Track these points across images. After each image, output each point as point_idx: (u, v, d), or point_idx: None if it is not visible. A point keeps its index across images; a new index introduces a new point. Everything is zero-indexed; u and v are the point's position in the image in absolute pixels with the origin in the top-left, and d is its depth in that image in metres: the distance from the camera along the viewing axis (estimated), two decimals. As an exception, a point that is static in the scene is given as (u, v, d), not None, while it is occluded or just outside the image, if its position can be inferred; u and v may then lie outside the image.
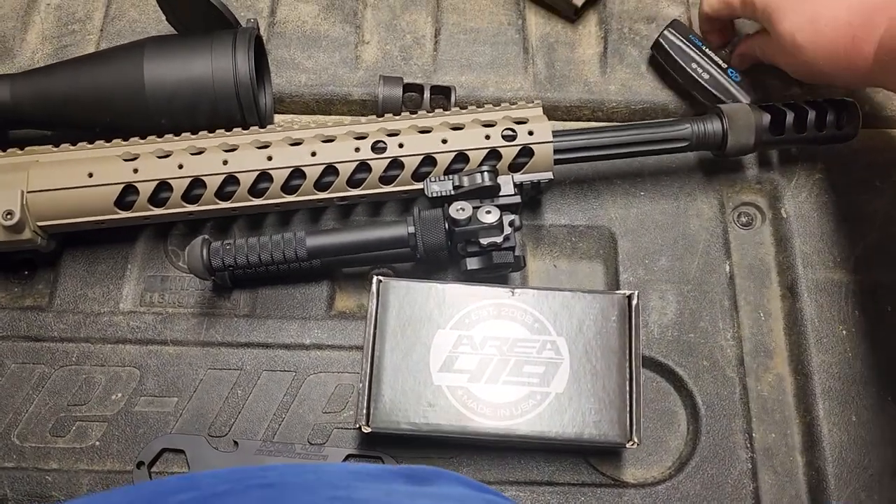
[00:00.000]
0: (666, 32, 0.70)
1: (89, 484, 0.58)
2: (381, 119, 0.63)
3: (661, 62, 0.71)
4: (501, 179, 0.59)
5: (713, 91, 0.68)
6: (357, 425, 0.54)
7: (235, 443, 0.59)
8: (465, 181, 0.58)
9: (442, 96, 0.69)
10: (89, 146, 0.62)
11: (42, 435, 0.60)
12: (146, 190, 0.60)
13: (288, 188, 0.61)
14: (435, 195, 0.58)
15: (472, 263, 0.59)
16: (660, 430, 0.61)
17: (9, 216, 0.58)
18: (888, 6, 0.57)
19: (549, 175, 0.62)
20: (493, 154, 0.61)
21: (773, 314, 0.65)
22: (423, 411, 0.54)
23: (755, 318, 0.64)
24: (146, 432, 0.60)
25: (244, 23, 0.66)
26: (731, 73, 0.68)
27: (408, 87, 0.68)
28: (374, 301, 0.57)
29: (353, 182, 0.61)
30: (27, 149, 0.62)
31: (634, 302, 0.57)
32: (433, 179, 0.59)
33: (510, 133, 0.61)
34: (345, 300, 0.65)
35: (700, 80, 0.68)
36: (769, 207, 0.68)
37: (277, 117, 0.72)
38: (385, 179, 0.61)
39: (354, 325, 0.63)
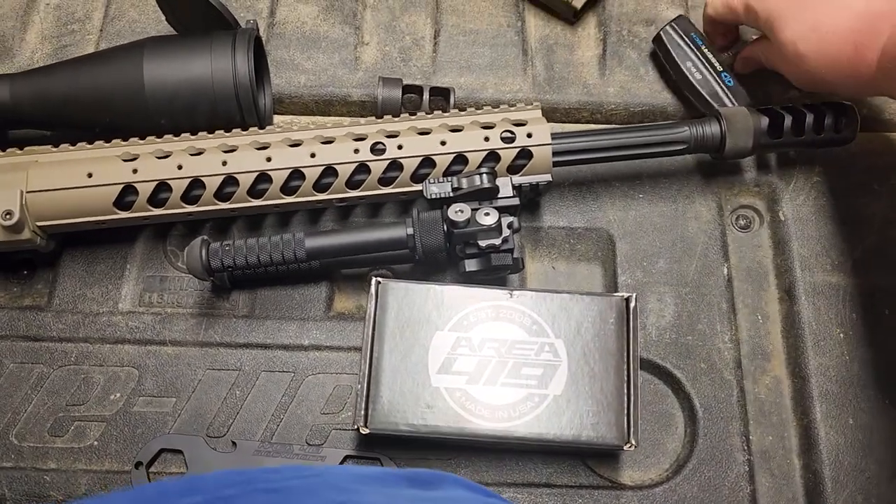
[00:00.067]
0: (668, 27, 0.70)
1: (87, 484, 0.58)
2: (380, 120, 0.63)
3: (660, 57, 0.71)
4: (500, 181, 0.59)
5: (702, 92, 0.68)
6: (355, 426, 0.54)
7: (234, 443, 0.59)
8: (464, 183, 0.58)
9: (441, 98, 0.69)
10: (89, 146, 0.62)
11: (40, 435, 0.60)
12: (145, 190, 0.60)
13: (287, 189, 0.61)
14: (434, 197, 0.59)
15: (471, 265, 0.59)
16: (657, 433, 0.61)
17: (8, 216, 0.58)
18: (891, 14, 0.57)
19: (548, 177, 0.62)
20: (492, 156, 0.61)
21: (770, 317, 0.65)
22: (421, 413, 0.54)
23: (753, 321, 0.64)
24: (144, 432, 0.60)
25: (244, 23, 0.66)
26: (725, 76, 0.68)
27: (407, 89, 0.68)
28: (373, 302, 0.57)
29: (352, 183, 0.61)
30: (26, 149, 0.62)
31: (632, 304, 0.57)
32: (432, 181, 0.59)
33: (509, 135, 0.61)
34: (343, 301, 0.65)
35: (692, 79, 0.68)
36: (767, 210, 0.68)
37: (277, 118, 0.72)
38: (384, 181, 0.61)
39: (353, 326, 0.63)
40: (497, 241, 0.58)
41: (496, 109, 0.63)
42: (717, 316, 0.64)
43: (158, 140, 0.62)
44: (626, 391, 0.55)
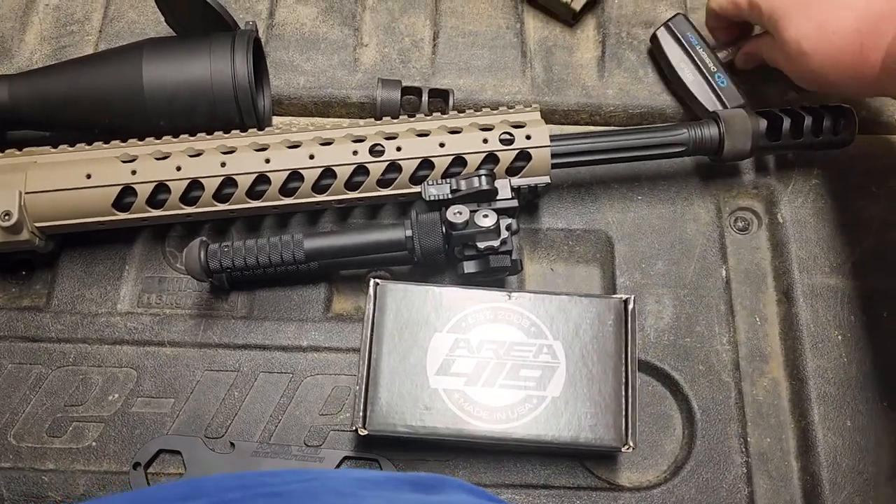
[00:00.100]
0: (663, 28, 0.70)
1: (85, 484, 0.58)
2: (379, 122, 0.63)
3: (655, 56, 0.72)
4: (499, 183, 0.59)
5: (693, 93, 0.68)
6: (353, 427, 0.54)
7: (232, 444, 0.59)
8: (463, 185, 0.58)
9: (440, 99, 0.69)
10: (87, 147, 0.62)
11: (39, 435, 0.60)
12: (144, 191, 0.60)
13: (286, 191, 0.61)
14: (432, 198, 0.59)
15: (470, 267, 0.59)
16: (655, 434, 0.61)
17: (7, 217, 0.58)
18: (895, 15, 0.57)
19: (547, 179, 0.62)
20: (491, 158, 0.61)
21: (768, 319, 0.65)
22: (419, 414, 0.55)
23: (751, 323, 0.64)
24: (143, 433, 0.60)
25: (243, 25, 0.66)
26: (719, 77, 0.68)
27: (406, 91, 0.68)
28: (372, 304, 0.57)
29: (350, 185, 0.61)
30: (25, 150, 0.62)
31: (631, 306, 0.57)
32: (431, 183, 0.59)
33: (508, 137, 0.61)
34: (342, 302, 0.65)
35: (684, 80, 0.68)
36: (766, 212, 0.68)
37: (276, 119, 0.72)
38: (383, 182, 0.61)
39: (351, 327, 0.63)
40: (496, 243, 0.58)
41: (495, 111, 0.63)
42: (715, 318, 0.64)
43: (157, 141, 0.62)
44: (624, 393, 0.55)
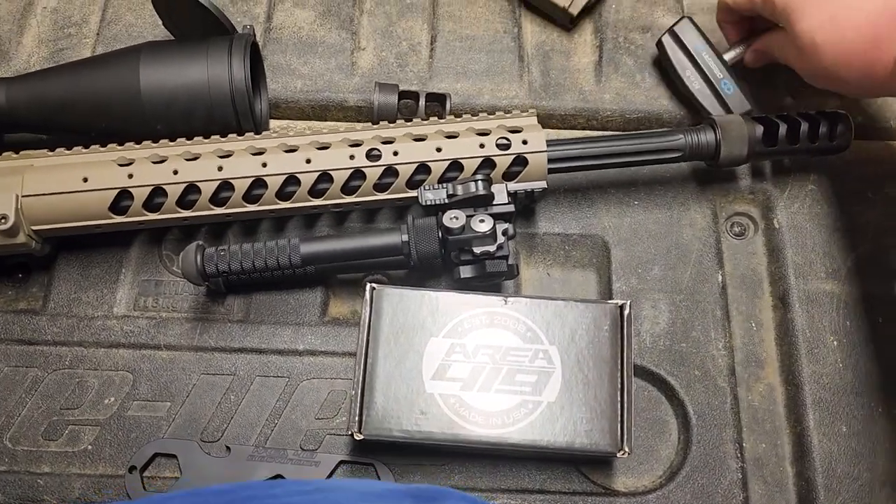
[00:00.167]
0: (668, 34, 0.70)
1: (81, 488, 0.58)
2: (376, 126, 0.63)
3: (661, 61, 0.72)
4: (495, 188, 0.59)
5: (700, 101, 0.68)
6: (349, 432, 0.54)
7: (228, 448, 0.59)
8: (459, 189, 0.58)
9: (437, 104, 0.69)
10: (84, 150, 0.62)
11: (34, 438, 0.60)
12: (141, 195, 0.60)
13: (282, 195, 0.61)
14: (429, 203, 0.59)
15: (466, 272, 0.59)
16: (651, 440, 0.61)
17: (3, 220, 0.58)
18: None
19: (543, 184, 0.62)
20: (488, 163, 0.61)
21: (764, 324, 0.65)
22: (415, 419, 0.55)
23: (747, 329, 0.65)
24: (139, 436, 0.60)
25: (240, 28, 0.66)
26: (725, 84, 0.68)
27: (403, 95, 0.69)
28: (368, 308, 0.57)
29: (347, 189, 0.61)
30: (22, 153, 0.62)
31: (627, 311, 0.57)
32: (427, 187, 0.59)
33: (504, 142, 0.61)
34: (338, 307, 0.65)
35: (690, 87, 0.69)
36: (762, 218, 0.69)
37: (273, 123, 0.72)
38: (379, 187, 0.61)
39: (348, 331, 0.63)
40: (492, 248, 0.58)
41: (492, 116, 0.63)
42: (711, 323, 0.64)
43: (154, 145, 0.62)
44: (619, 398, 0.55)
